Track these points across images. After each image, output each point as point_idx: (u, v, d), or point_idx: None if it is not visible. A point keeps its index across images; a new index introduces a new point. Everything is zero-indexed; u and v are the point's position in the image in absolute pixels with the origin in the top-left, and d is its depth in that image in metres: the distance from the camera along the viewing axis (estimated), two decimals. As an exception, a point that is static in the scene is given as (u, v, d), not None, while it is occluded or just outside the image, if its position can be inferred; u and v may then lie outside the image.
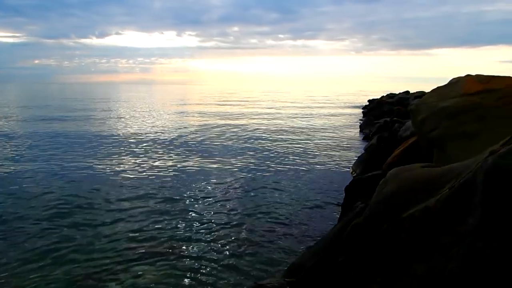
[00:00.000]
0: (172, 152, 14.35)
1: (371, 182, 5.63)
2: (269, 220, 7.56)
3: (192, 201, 8.65)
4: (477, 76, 5.91)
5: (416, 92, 29.47)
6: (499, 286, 2.24)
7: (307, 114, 33.72)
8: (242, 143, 16.79)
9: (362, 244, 3.35)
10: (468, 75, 6.01)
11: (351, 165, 12.26)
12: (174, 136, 18.16)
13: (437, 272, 2.45)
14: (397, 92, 36.29)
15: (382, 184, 3.75)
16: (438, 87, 6.33)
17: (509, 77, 5.72)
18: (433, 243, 2.68)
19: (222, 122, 25.22)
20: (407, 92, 33.73)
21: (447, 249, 2.50)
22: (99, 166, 11.68)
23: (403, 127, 10.92)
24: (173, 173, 11.05)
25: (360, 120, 28.01)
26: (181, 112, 31.78)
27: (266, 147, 15.89)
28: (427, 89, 7.17)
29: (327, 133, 20.98)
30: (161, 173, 10.92)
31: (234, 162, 12.76)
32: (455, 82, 5.93)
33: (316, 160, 13.59)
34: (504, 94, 5.15)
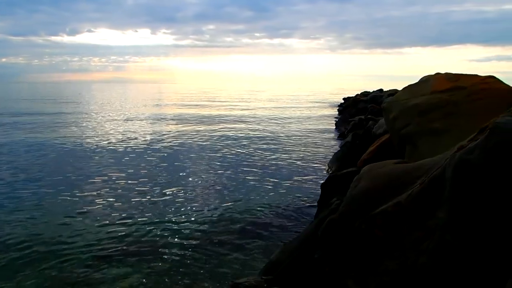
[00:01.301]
0: (147, 156, 13.93)
1: (347, 179, 5.71)
2: (245, 218, 7.57)
3: (168, 201, 8.54)
4: (446, 74, 6.10)
5: (389, 90, 30.08)
6: (467, 278, 2.32)
7: (283, 113, 33.89)
8: (218, 143, 16.66)
9: (337, 240, 3.40)
10: (437, 74, 6.19)
11: (327, 162, 12.41)
12: (149, 140, 17.10)
13: (408, 267, 2.51)
14: (371, 90, 36.94)
15: (356, 180, 3.80)
16: (409, 85, 6.50)
17: (476, 75, 5.93)
18: (405, 238, 2.74)
19: (198, 123, 24.77)
20: (381, 90, 34.38)
21: (418, 244, 2.56)
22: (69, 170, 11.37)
23: (376, 124, 11.14)
24: (148, 176, 10.81)
25: (335, 118, 28.40)
26: (156, 116, 28.52)
27: (242, 146, 15.88)
28: (400, 87, 7.36)
29: (303, 131, 21.16)
30: (135, 181, 10.45)
31: (210, 162, 12.68)
32: (425, 80, 6.10)
33: (292, 158, 13.68)
34: (471, 92, 5.34)
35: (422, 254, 2.47)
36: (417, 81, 7.02)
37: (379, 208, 3.16)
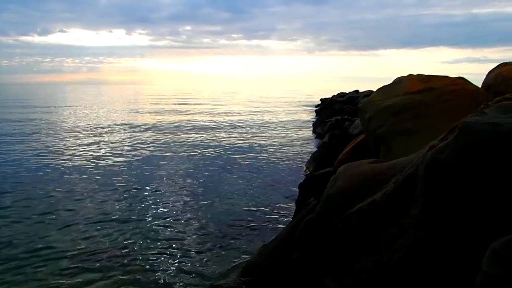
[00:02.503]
0: (121, 160, 13.54)
1: (324, 179, 5.78)
2: (223, 220, 7.53)
3: (144, 204, 8.41)
4: (418, 75, 6.27)
5: (365, 91, 30.66)
6: (440, 274, 2.39)
7: (260, 114, 33.97)
8: (195, 145, 16.47)
9: (314, 240, 3.44)
10: (410, 75, 6.36)
11: (305, 163, 12.52)
12: (123, 144, 16.16)
13: (384, 264, 2.57)
14: (347, 91, 37.55)
15: (332, 180, 3.86)
16: (383, 86, 6.64)
17: (447, 76, 6.13)
18: (380, 236, 2.80)
19: (174, 128, 24.13)
20: (357, 91, 35.01)
21: (392, 241, 2.62)
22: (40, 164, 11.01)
23: (352, 125, 11.33)
24: (123, 181, 10.54)
25: (312, 119, 28.69)
26: (130, 122, 24.90)
27: (219, 147, 15.81)
28: (375, 88, 7.53)
29: (280, 133, 21.28)
30: (109, 188, 9.90)
31: (186, 166, 12.52)
32: (398, 82, 6.25)
33: (270, 159, 13.73)
34: (442, 93, 5.51)
35: (396, 251, 2.53)
36: (391, 82, 7.19)
37: (355, 207, 3.22)
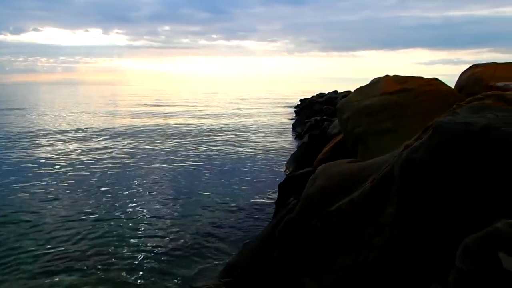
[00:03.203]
0: (97, 164, 13.21)
1: (303, 179, 5.81)
2: (203, 221, 7.48)
3: (123, 206, 8.26)
4: (395, 76, 6.40)
5: (344, 91, 31.05)
6: (415, 271, 2.44)
7: (240, 115, 33.96)
8: (175, 146, 16.31)
9: (294, 239, 3.45)
10: (386, 76, 6.49)
11: (285, 163, 12.58)
12: (99, 148, 15.45)
13: (361, 263, 2.60)
14: (326, 92, 37.94)
15: (311, 180, 3.89)
16: (360, 87, 6.75)
17: (422, 77, 6.28)
18: (358, 234, 2.84)
19: (153, 124, 23.98)
20: (336, 91, 35.41)
21: (370, 239, 2.67)
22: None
23: (331, 125, 11.45)
24: (102, 185, 10.30)
25: (292, 119, 28.87)
26: (107, 127, 22.08)
27: (199, 149, 15.70)
28: (354, 88, 7.63)
29: (261, 133, 21.32)
30: (85, 191, 9.67)
31: (165, 166, 12.38)
32: (375, 82, 6.37)
33: (250, 159, 13.73)
34: (417, 94, 5.65)
35: (373, 249, 2.57)
36: (368, 83, 7.30)
37: (334, 206, 3.26)
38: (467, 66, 8.02)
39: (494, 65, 7.38)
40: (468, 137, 2.40)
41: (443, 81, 6.46)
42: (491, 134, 2.30)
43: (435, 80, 5.98)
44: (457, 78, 8.06)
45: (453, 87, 7.24)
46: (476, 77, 6.72)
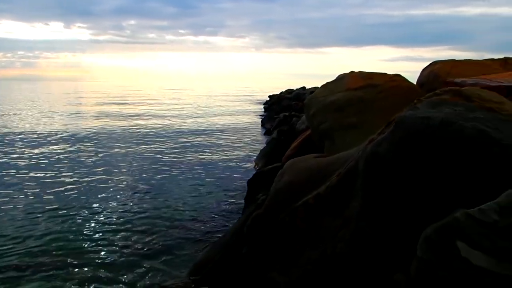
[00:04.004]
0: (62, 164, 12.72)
1: (272, 174, 5.85)
2: (171, 219, 7.37)
3: (87, 208, 7.99)
4: (360, 72, 6.56)
5: (311, 87, 31.46)
6: (380, 262, 2.51)
7: (208, 112, 33.67)
8: (143, 145, 15.89)
9: (262, 235, 3.47)
10: (352, 72, 6.64)
11: (254, 159, 12.62)
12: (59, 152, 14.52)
13: (328, 255, 2.65)
14: (295, 88, 38.32)
15: (279, 175, 3.92)
16: (327, 83, 6.87)
17: (385, 73, 6.47)
18: (324, 228, 2.89)
19: (120, 123, 23.07)
20: (304, 87, 35.84)
21: (336, 232, 2.72)
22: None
23: (300, 121, 11.59)
24: (63, 185, 9.93)
25: (261, 115, 28.97)
26: (68, 129, 19.37)
27: (166, 146, 15.44)
28: (321, 84, 7.76)
29: (229, 129, 21.26)
30: (51, 187, 9.45)
31: (131, 167, 12.03)
32: (341, 78, 6.50)
33: (219, 156, 13.67)
34: (382, 89, 5.81)
35: (340, 242, 2.62)
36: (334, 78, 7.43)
37: (301, 200, 3.29)
38: (428, 63, 8.34)
39: (452, 62, 7.70)
40: (428, 131, 2.48)
41: (406, 77, 6.68)
42: (448, 128, 2.39)
43: (398, 76, 6.17)
44: (418, 74, 8.36)
45: (415, 83, 7.51)
46: (436, 74, 6.99)
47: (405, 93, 5.44)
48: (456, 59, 8.09)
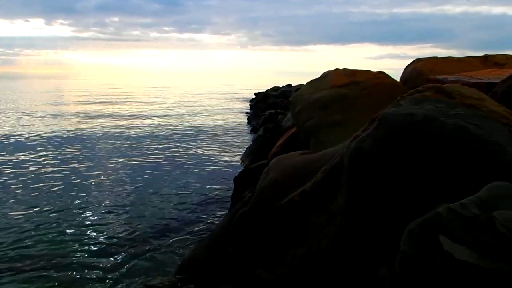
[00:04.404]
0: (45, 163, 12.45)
1: (258, 172, 5.85)
2: (158, 218, 7.32)
3: (71, 209, 7.87)
4: (344, 70, 6.61)
5: (297, 85, 31.53)
6: (364, 257, 2.54)
7: (195, 109, 33.44)
8: (127, 145, 15.51)
9: (249, 232, 3.47)
10: (336, 69, 6.69)
11: (241, 157, 12.60)
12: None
13: (314, 251, 2.67)
14: (280, 86, 38.37)
15: (265, 173, 3.92)
16: (312, 80, 6.91)
17: (369, 71, 6.53)
18: (310, 225, 2.91)
19: (104, 123, 22.40)
20: (289, 85, 35.90)
21: (321, 229, 2.74)
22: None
23: (285, 118, 11.62)
24: (49, 185, 9.74)
25: (247, 113, 28.93)
26: (48, 129, 19.35)
27: (153, 145, 15.27)
28: (306, 82, 7.80)
29: (216, 127, 21.17)
30: (33, 189, 9.28)
31: (117, 166, 11.88)
32: (326, 76, 6.55)
33: (206, 154, 13.61)
34: (365, 86, 5.87)
35: (325, 238, 2.64)
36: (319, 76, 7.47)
37: (287, 197, 3.30)
38: (411, 60, 8.46)
39: (434, 60, 7.84)
40: (411, 128, 2.52)
41: (390, 74, 6.77)
42: (431, 125, 2.43)
43: (381, 73, 6.25)
44: (402, 71, 8.48)
45: (399, 80, 7.61)
46: (418, 71, 7.10)
47: (388, 90, 5.51)
48: (439, 56, 8.24)
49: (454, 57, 8.24)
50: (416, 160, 2.50)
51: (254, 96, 40.20)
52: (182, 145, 15.41)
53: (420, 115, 2.47)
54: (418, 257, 2.06)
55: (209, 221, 7.23)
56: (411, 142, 2.50)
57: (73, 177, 10.40)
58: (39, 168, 11.27)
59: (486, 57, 7.96)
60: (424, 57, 8.33)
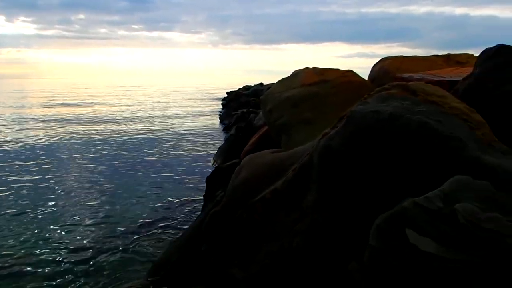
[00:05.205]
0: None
1: (230, 171, 5.83)
2: (131, 221, 7.18)
3: (42, 211, 7.59)
4: (314, 68, 6.69)
5: (269, 84, 31.64)
6: (335, 253, 2.58)
7: (166, 109, 32.97)
8: (95, 150, 14.93)
9: (221, 232, 3.45)
10: (306, 68, 6.76)
11: (213, 156, 12.54)
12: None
13: (285, 248, 2.69)
14: (252, 84, 38.41)
15: (236, 172, 3.91)
16: (282, 79, 6.95)
17: (338, 69, 6.65)
18: (282, 222, 2.93)
19: (70, 128, 21.24)
20: (261, 84, 36.01)
21: (293, 226, 2.76)
22: None
23: (257, 117, 11.65)
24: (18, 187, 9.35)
25: (219, 112, 28.81)
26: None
27: (123, 148, 14.89)
28: (277, 80, 7.84)
29: (188, 127, 20.96)
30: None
31: (88, 170, 11.52)
32: (296, 74, 6.61)
33: (177, 154, 13.45)
34: (334, 85, 5.97)
35: (296, 235, 2.67)
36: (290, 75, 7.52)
37: (259, 195, 3.31)
38: (379, 59, 8.67)
39: (401, 58, 8.06)
40: (377, 125, 2.58)
41: (360, 73, 6.91)
42: (396, 122, 2.50)
43: (350, 72, 6.37)
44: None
45: (367, 78, 7.78)
46: (385, 69, 7.29)
47: (356, 88, 5.62)
48: (405, 55, 8.48)
49: (420, 56, 8.51)
50: (383, 156, 2.56)
51: (226, 95, 40.07)
52: (153, 146, 15.13)
53: (386, 113, 2.54)
54: (385, 250, 2.12)
55: (181, 222, 7.16)
56: (378, 139, 2.56)
57: (40, 185, 9.93)
58: (3, 177, 10.77)
59: (448, 56, 8.26)
60: (391, 55, 8.55)
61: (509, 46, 3.76)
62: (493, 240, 1.91)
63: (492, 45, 3.92)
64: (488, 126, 2.78)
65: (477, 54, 4.20)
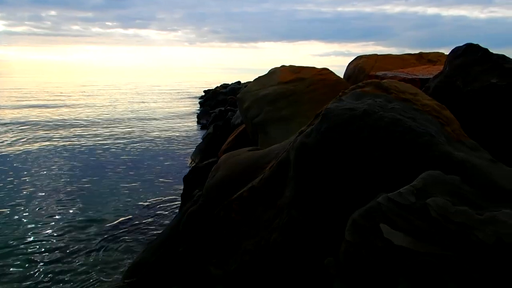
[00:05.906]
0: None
1: (208, 170, 5.79)
2: (106, 221, 7.02)
3: (13, 213, 7.32)
4: (290, 66, 6.75)
5: (246, 82, 31.64)
6: (311, 248, 2.61)
7: (142, 108, 32.37)
8: (69, 151, 14.50)
9: (198, 231, 3.43)
10: (282, 66, 6.81)
11: (191, 155, 12.42)
12: None
13: (263, 245, 2.69)
14: (230, 83, 38.30)
15: (213, 170, 3.89)
16: (259, 77, 6.98)
17: (314, 67, 6.72)
18: (259, 219, 2.93)
19: (42, 133, 20.79)
20: (239, 82, 35.99)
21: (270, 222, 2.77)
22: None
23: (235, 115, 11.63)
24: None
25: (197, 110, 28.56)
26: None
27: (98, 148, 14.51)
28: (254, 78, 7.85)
29: (164, 126, 20.66)
30: None
31: (64, 169, 11.23)
32: (273, 72, 6.64)
33: (154, 154, 13.23)
34: (310, 82, 6.03)
35: (274, 231, 2.68)
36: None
37: (236, 194, 3.30)
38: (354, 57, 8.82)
39: (375, 57, 8.23)
40: (352, 122, 2.62)
41: (336, 71, 7.01)
42: (370, 118, 2.54)
43: (325, 70, 6.45)
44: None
45: (343, 76, 7.90)
46: (360, 67, 7.42)
47: (332, 86, 5.70)
48: (379, 54, 8.66)
49: (393, 54, 8.71)
50: (357, 152, 2.61)
51: (203, 94, 39.76)
52: (129, 147, 14.81)
53: (360, 110, 2.58)
54: (360, 245, 2.15)
55: (159, 222, 7.06)
56: (353, 136, 2.60)
57: (8, 187, 9.56)
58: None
59: (421, 54, 8.50)
60: (366, 54, 8.72)
61: (476, 45, 3.89)
62: (463, 233, 1.98)
63: (461, 44, 4.05)
64: (457, 122, 2.86)
65: (448, 53, 4.33)
